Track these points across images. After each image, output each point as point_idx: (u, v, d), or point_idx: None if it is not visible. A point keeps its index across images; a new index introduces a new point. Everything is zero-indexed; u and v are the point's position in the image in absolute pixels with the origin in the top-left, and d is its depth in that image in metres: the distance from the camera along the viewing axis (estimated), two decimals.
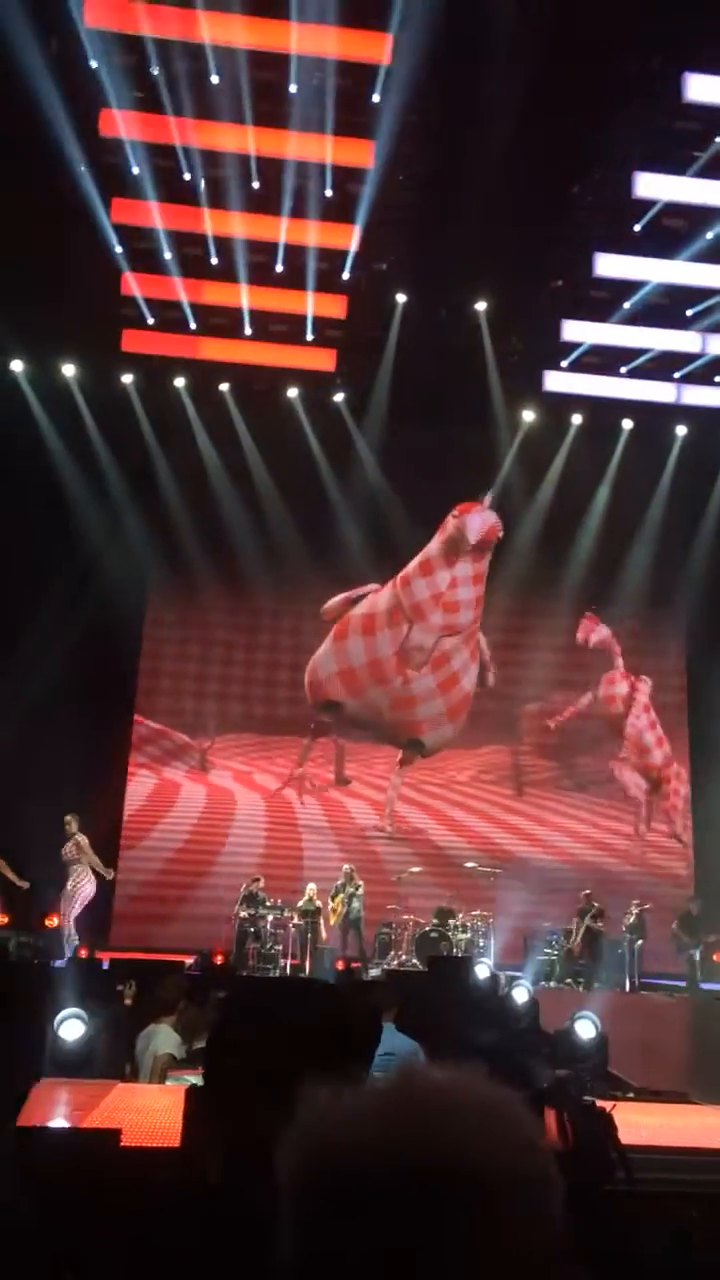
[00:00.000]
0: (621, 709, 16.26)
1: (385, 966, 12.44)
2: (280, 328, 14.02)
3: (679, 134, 11.59)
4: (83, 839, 12.46)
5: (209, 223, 12.52)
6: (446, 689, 16.00)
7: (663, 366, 14.35)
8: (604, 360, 14.40)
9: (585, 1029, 7.33)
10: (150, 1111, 4.45)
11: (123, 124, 11.47)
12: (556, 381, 14.66)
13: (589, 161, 12.00)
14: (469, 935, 13.04)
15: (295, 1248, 0.78)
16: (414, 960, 12.66)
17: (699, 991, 12.62)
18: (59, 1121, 4.28)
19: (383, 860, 14.98)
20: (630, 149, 11.70)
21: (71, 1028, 5.86)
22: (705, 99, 10.96)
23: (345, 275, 13.33)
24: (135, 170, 11.97)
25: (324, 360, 14.48)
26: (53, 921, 12.15)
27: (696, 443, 15.44)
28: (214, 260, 13.00)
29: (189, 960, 11.27)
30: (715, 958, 13.44)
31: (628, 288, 13.22)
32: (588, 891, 13.51)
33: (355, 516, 15.43)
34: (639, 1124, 4.99)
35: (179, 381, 14.93)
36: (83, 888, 12.43)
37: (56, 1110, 4.54)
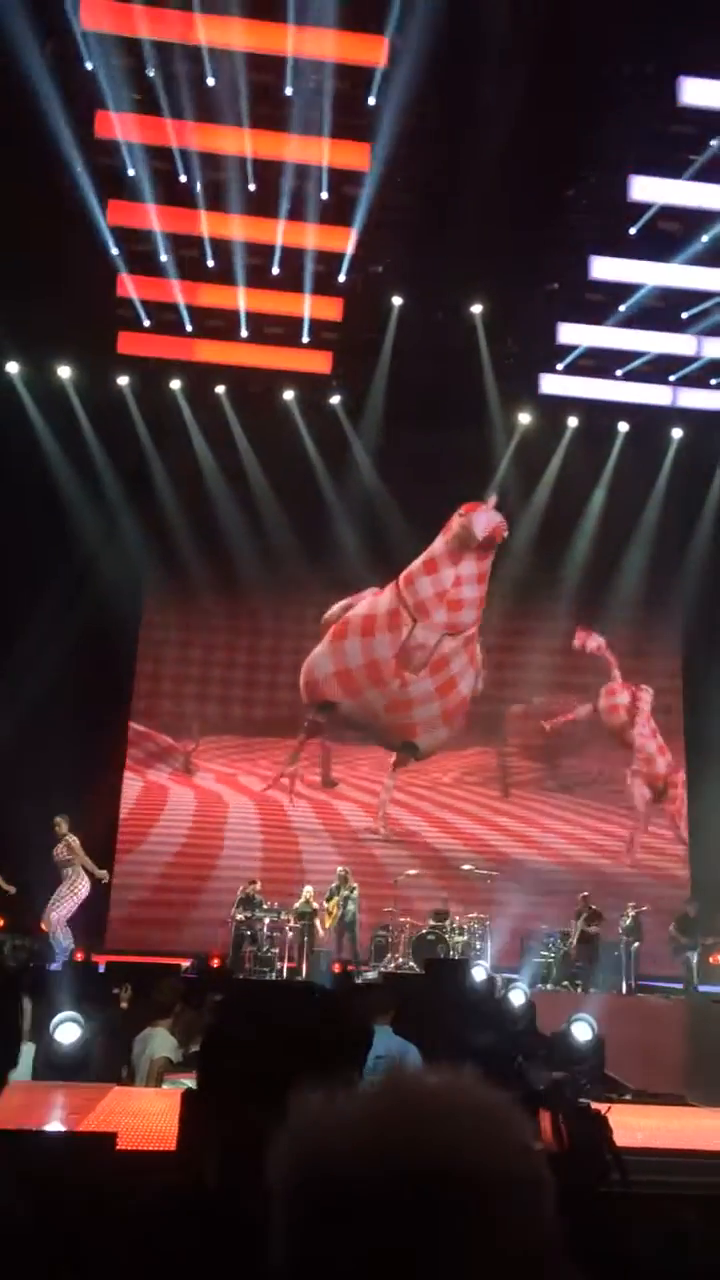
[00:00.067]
0: (625, 718, 16.24)
1: (382, 969, 12.43)
2: (276, 330, 14.03)
3: (674, 137, 11.64)
4: (74, 840, 12.41)
5: (205, 225, 12.53)
6: (444, 693, 15.99)
7: (658, 369, 14.37)
8: (600, 363, 14.44)
9: (582, 1031, 7.32)
10: (146, 1115, 4.44)
11: (119, 126, 11.47)
12: (552, 384, 14.69)
13: (584, 165, 12.04)
14: (466, 937, 13.03)
15: (287, 1252, 0.78)
16: (411, 963, 12.65)
17: (696, 994, 12.61)
18: (55, 1125, 4.27)
19: (379, 862, 14.98)
20: (626, 152, 11.73)
21: (67, 1031, 5.84)
22: (700, 102, 11.01)
23: (341, 278, 13.33)
24: (132, 172, 11.98)
25: (320, 363, 14.48)
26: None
27: (692, 445, 15.48)
28: (210, 262, 13.01)
29: (185, 963, 11.26)
30: (712, 960, 13.46)
31: (623, 291, 13.25)
32: (585, 894, 13.51)
33: (351, 519, 15.43)
34: (635, 1126, 4.99)
35: (175, 384, 14.93)
36: (79, 889, 12.40)
37: (52, 1113, 4.53)
